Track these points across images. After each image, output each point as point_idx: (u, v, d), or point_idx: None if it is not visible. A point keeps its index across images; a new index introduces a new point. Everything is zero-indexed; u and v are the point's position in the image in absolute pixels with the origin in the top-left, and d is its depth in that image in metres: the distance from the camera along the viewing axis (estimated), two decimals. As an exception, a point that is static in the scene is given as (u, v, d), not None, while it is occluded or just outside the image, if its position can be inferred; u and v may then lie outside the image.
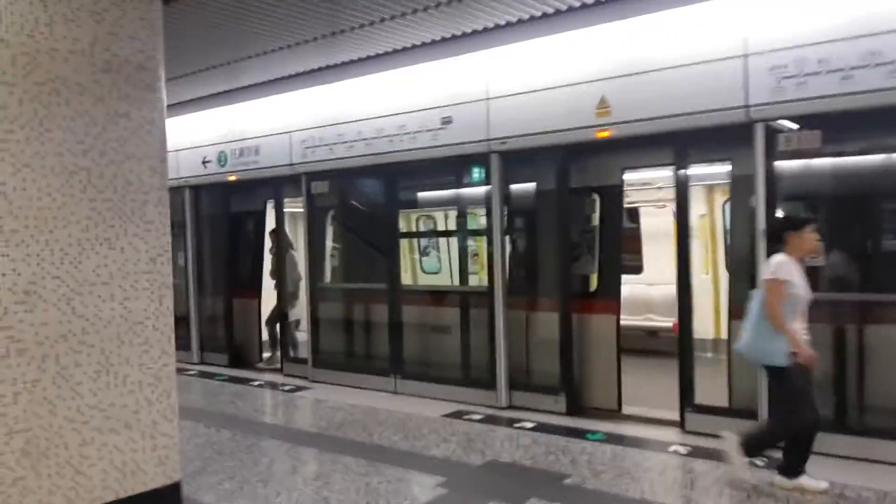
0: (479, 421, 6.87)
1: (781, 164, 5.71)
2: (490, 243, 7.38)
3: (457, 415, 7.09)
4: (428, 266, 11.25)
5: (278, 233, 9.86)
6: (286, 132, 9.00)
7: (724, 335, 9.86)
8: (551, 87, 6.72)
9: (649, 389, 7.84)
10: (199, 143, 10.20)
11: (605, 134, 6.41)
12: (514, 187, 7.35)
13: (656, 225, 10.23)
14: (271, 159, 9.24)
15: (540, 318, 7.28)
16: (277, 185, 9.49)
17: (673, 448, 5.88)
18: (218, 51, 7.31)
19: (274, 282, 10.04)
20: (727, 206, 9.94)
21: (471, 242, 11.15)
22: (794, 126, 5.60)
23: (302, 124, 8.81)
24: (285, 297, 9.82)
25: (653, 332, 10.22)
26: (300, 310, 10.11)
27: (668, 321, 9.86)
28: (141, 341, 4.64)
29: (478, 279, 11.59)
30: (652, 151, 6.63)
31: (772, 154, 5.68)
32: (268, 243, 10.22)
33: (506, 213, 7.32)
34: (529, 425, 6.63)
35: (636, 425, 6.63)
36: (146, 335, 4.67)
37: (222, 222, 10.50)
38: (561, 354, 7.05)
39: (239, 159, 9.65)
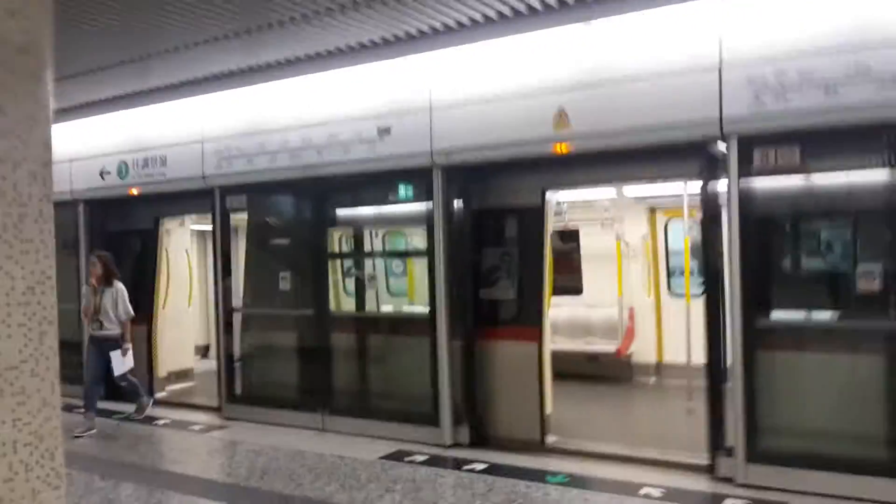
0: (424, 463, 6.13)
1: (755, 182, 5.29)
2: (431, 266, 6.68)
3: (397, 456, 6.33)
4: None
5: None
6: (198, 141, 8.04)
7: (668, 360, 9.64)
8: (502, 98, 6.12)
9: (588, 418, 7.44)
10: (96, 151, 9.06)
11: (563, 148, 5.84)
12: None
13: (597, 246, 9.78)
14: (180, 171, 8.24)
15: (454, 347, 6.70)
16: (178, 200, 8.49)
17: (644, 491, 5.30)
18: (121, 45, 6.33)
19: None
20: (671, 227, 9.67)
21: (400, 263, 10.51)
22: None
23: (217, 133, 7.88)
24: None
25: (593, 357, 9.74)
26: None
27: (610, 345, 9.43)
28: (15, 391, 3.65)
29: (404, 303, 10.97)
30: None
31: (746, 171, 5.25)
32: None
33: (446, 232, 6.64)
34: (480, 467, 5.94)
35: (596, 463, 6.04)
36: (22, 383, 3.68)
37: (120, 241, 9.36)
38: (464, 384, 6.63)
39: (142, 170, 8.59)
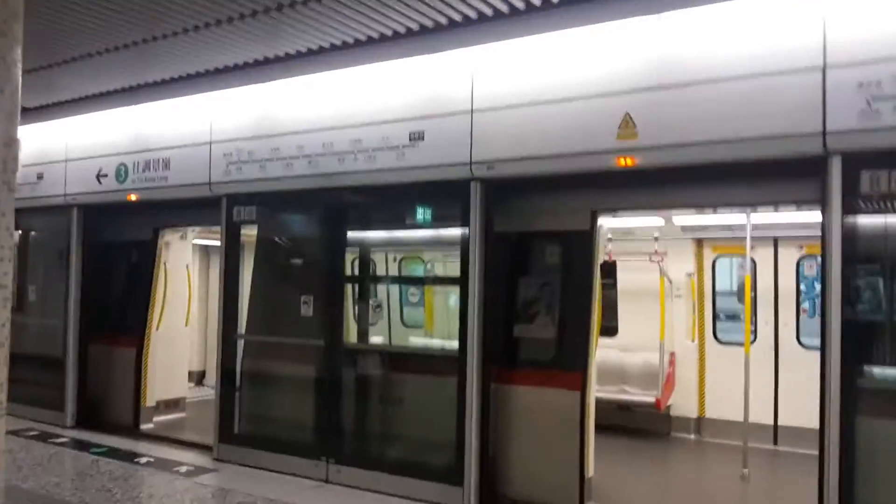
0: (443, 531, 5.18)
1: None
2: (464, 295, 5.78)
3: (414, 520, 5.38)
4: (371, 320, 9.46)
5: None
6: (205, 143, 7.22)
7: (710, 414, 8.68)
8: (554, 101, 5.28)
9: (629, 482, 6.54)
10: (94, 151, 8.26)
11: (629, 161, 4.98)
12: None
13: (636, 281, 8.86)
14: (184, 176, 7.41)
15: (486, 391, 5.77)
16: (181, 210, 7.66)
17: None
18: (121, 23, 5.55)
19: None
20: (718, 264, 8.78)
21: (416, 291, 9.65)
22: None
23: (227, 133, 7.06)
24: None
25: (625, 407, 8.76)
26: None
27: (648, 395, 8.46)
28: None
29: (425, 336, 10.05)
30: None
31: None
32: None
33: (483, 258, 5.75)
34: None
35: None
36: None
37: (115, 252, 8.53)
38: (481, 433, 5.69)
39: (143, 174, 7.77)
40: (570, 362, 5.66)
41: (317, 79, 6.35)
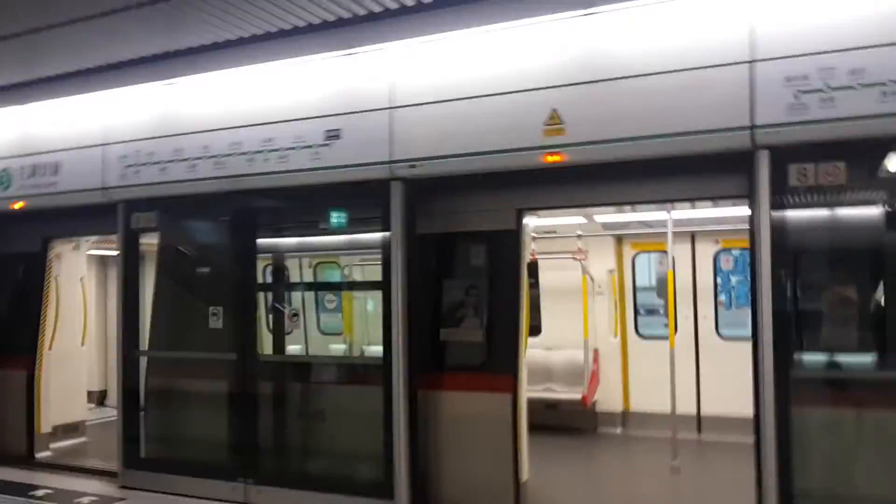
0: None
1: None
2: (386, 300, 5.49)
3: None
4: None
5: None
6: (99, 144, 6.64)
7: (634, 408, 8.70)
8: (479, 96, 5.07)
9: (562, 483, 6.46)
10: (-31, 155, 7.49)
11: (556, 158, 4.82)
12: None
13: (558, 280, 8.79)
14: (75, 181, 6.79)
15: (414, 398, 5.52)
16: (73, 218, 7.04)
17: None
18: (4, 13, 4.98)
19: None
20: (637, 260, 8.82)
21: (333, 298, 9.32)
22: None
23: (123, 133, 6.51)
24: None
25: (552, 405, 8.68)
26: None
27: (574, 392, 8.40)
28: None
29: (344, 344, 9.68)
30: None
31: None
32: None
33: (406, 260, 5.48)
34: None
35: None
36: None
37: (1, 265, 7.77)
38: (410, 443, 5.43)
39: (29, 180, 7.08)
40: (499, 365, 5.47)
41: (224, 74, 5.91)
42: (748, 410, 7.06)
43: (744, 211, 7.10)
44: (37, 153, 7.01)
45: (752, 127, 4.30)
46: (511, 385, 5.37)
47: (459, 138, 5.10)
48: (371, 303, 9.03)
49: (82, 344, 8.64)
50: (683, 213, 7.11)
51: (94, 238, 8.50)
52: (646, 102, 4.58)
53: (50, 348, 7.82)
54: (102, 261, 10.70)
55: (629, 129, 4.63)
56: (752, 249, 4.45)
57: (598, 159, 4.74)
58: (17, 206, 7.14)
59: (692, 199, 5.35)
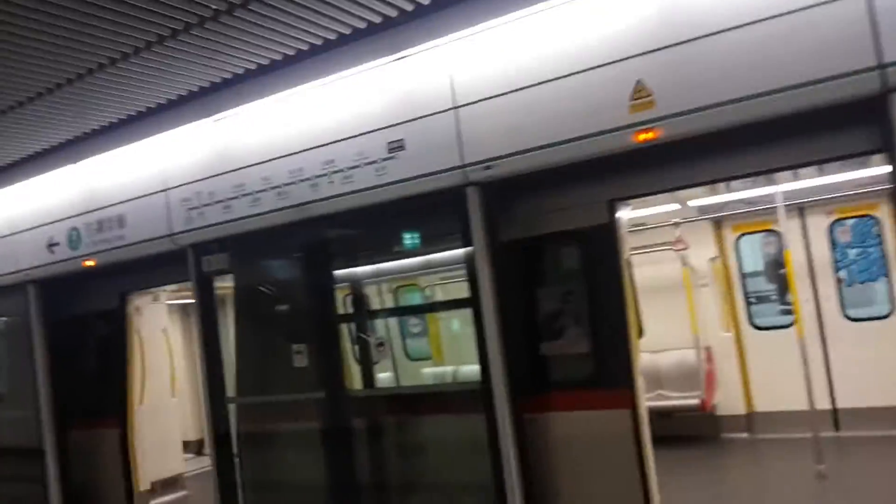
0: None
1: None
2: (478, 318, 4.98)
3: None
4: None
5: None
6: (161, 190, 6.42)
7: (760, 408, 7.90)
8: (551, 79, 4.53)
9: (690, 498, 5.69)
10: (42, 218, 7.44)
11: (649, 135, 4.23)
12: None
13: (654, 275, 8.10)
14: (141, 231, 6.59)
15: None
16: (145, 269, 6.84)
17: None
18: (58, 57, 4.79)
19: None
20: (741, 244, 8.05)
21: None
22: None
23: (184, 176, 6.26)
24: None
25: (666, 414, 7.96)
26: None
27: (691, 397, 7.67)
28: None
29: (435, 367, 9.24)
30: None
31: None
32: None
33: (493, 270, 4.96)
34: None
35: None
36: None
37: (80, 327, 7.68)
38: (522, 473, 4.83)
39: (97, 236, 6.95)
40: (612, 377, 4.86)
41: (275, 99, 5.59)
42: (890, 398, 6.24)
43: (859, 174, 6.40)
44: (101, 207, 6.87)
45: (881, 66, 3.61)
46: (629, 398, 4.75)
47: (535, 130, 4.57)
48: (457, 322, 8.60)
49: (172, 395, 8.51)
50: (791, 184, 6.37)
51: (171, 287, 8.38)
52: (746, 57, 3.94)
53: (140, 403, 7.68)
54: (185, 309, 10.65)
55: (728, 91, 3.98)
56: None
57: (697, 130, 4.12)
58: (89, 263, 7.01)
59: (813, 163, 4.62)
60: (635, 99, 4.23)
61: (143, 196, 6.54)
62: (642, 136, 4.23)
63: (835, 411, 7.45)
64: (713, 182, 5.31)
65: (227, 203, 5.98)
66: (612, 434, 4.79)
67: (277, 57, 5.09)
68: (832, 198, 7.17)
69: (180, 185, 6.27)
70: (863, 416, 7.20)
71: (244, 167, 5.86)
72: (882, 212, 7.17)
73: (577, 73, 4.41)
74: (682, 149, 4.34)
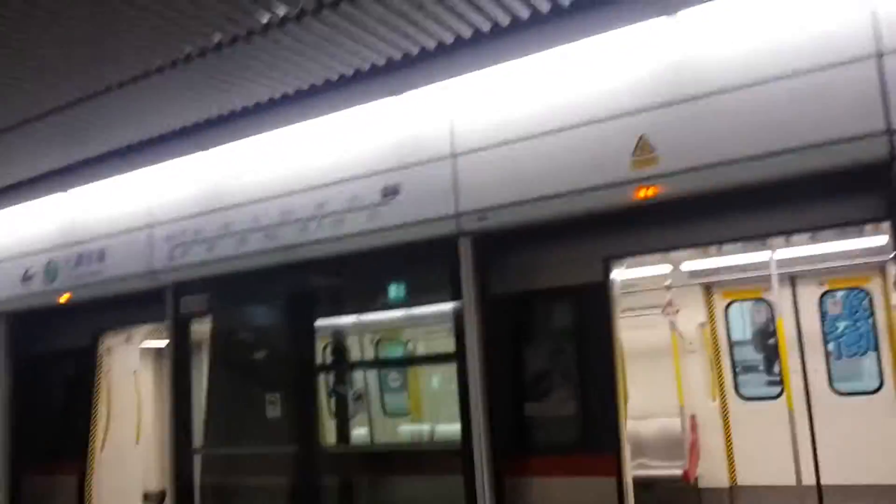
0: None
1: None
2: (462, 373, 4.80)
3: None
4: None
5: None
6: (144, 226, 6.26)
7: (742, 481, 7.69)
8: (553, 130, 4.48)
9: None
10: (17, 250, 7.21)
11: (649, 192, 4.16)
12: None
13: (641, 339, 7.96)
14: (122, 267, 6.40)
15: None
16: (121, 307, 6.61)
17: None
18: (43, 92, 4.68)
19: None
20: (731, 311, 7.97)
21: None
22: None
23: (169, 213, 6.12)
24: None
25: (647, 484, 7.71)
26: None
27: (674, 467, 7.45)
28: None
29: (413, 424, 8.95)
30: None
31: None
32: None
33: (481, 325, 4.81)
34: None
35: None
36: None
37: (50, 366, 7.36)
38: None
39: (75, 270, 6.73)
40: (598, 442, 4.67)
41: (270, 137, 5.50)
42: (879, 477, 6.08)
43: (853, 244, 6.39)
44: (81, 242, 6.67)
45: (890, 132, 3.59)
46: (614, 466, 4.57)
47: (534, 181, 4.50)
48: (437, 378, 8.38)
49: (137, 442, 8.13)
50: (785, 251, 6.34)
51: (146, 328, 8.11)
52: (753, 117, 3.92)
53: (102, 450, 7.32)
54: (159, 353, 10.31)
55: (734, 151, 3.96)
56: None
57: (700, 189, 4.07)
58: (63, 298, 6.76)
59: (815, 229, 4.59)
60: (637, 155, 4.18)
61: (125, 231, 6.37)
62: (643, 193, 4.16)
63: (819, 487, 7.27)
64: (712, 244, 5.24)
65: (211, 242, 5.83)
66: (595, 502, 4.59)
67: (275, 95, 5.01)
68: (825, 268, 7.13)
69: (166, 222, 6.11)
70: (849, 493, 7.02)
71: (233, 206, 5.74)
72: (874, 284, 7.14)
73: (580, 125, 4.38)
74: (682, 208, 4.28)
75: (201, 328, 6.46)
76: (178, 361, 6.21)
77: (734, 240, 4.91)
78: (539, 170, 4.48)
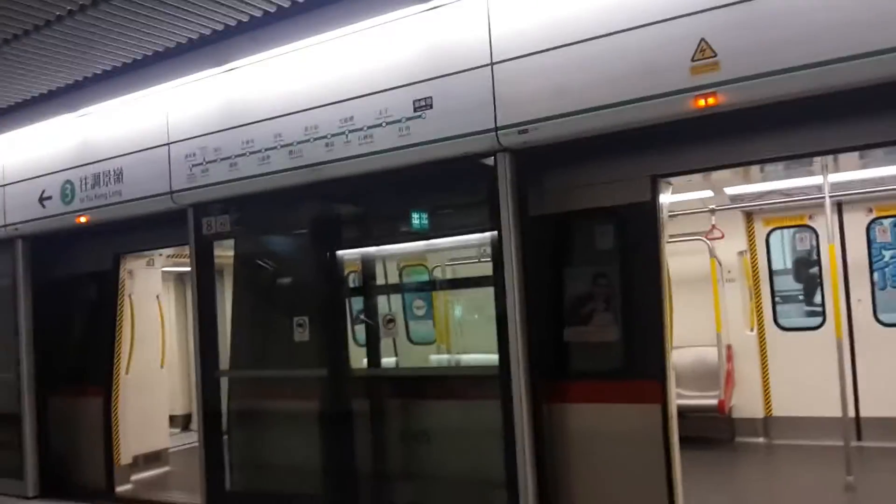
0: None
1: None
2: (501, 297, 4.56)
3: None
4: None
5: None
6: (163, 144, 5.98)
7: (778, 412, 7.53)
8: (604, 34, 4.09)
9: None
10: (35, 170, 6.98)
11: (710, 101, 3.81)
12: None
13: (679, 267, 7.68)
14: (140, 187, 6.15)
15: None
16: (142, 230, 6.41)
17: None
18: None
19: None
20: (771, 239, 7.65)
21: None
22: None
23: (188, 130, 5.82)
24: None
25: (680, 413, 7.56)
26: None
27: (708, 397, 7.29)
28: None
29: (439, 353, 8.84)
30: None
31: None
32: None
33: (520, 247, 4.54)
34: None
35: None
36: None
37: (71, 288, 7.23)
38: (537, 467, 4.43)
39: (92, 191, 6.50)
40: (642, 369, 4.45)
41: (293, 48, 5.14)
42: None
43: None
44: (97, 161, 6.41)
45: None
46: (659, 393, 4.35)
47: (580, 91, 4.14)
48: (467, 307, 8.20)
49: (161, 366, 8.09)
50: (833, 176, 5.98)
51: (168, 252, 7.97)
52: (819, 19, 3.52)
53: (127, 373, 7.28)
54: (181, 278, 10.22)
55: (801, 57, 3.56)
56: None
57: (766, 98, 3.70)
58: (82, 220, 6.56)
59: (888, 144, 4.21)
60: (699, 59, 3.80)
61: (143, 150, 6.10)
62: (702, 102, 3.80)
63: (858, 420, 7.09)
64: (771, 161, 4.88)
65: (233, 160, 5.55)
66: (639, 431, 4.40)
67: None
68: (874, 192, 6.76)
69: (186, 140, 5.82)
70: (886, 426, 6.86)
71: (255, 122, 5.43)
72: (925, 210, 6.81)
73: (632, 28, 3.98)
74: (740, 121, 3.93)
75: (225, 254, 6.30)
76: (201, 284, 6.00)
77: (793, 157, 4.54)
78: (587, 78, 4.11)
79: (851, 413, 7.08)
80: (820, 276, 7.38)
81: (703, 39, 3.79)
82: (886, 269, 7.45)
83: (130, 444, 7.23)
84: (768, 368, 7.56)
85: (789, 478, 6.56)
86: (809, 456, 6.78)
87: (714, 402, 7.14)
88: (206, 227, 5.92)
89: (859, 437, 7.13)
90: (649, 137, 4.24)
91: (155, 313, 7.95)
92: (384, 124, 4.82)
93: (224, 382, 6.04)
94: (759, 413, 7.51)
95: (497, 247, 4.57)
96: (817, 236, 7.30)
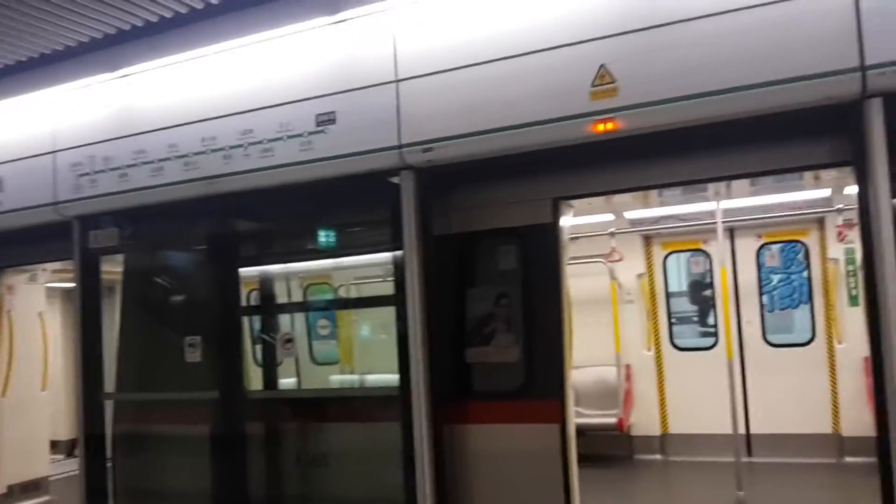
0: None
1: None
2: (402, 317, 4.49)
3: None
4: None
5: None
6: (47, 152, 5.62)
7: (674, 430, 7.75)
8: (508, 56, 4.11)
9: None
10: None
11: (608, 126, 3.87)
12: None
13: (580, 288, 7.82)
14: (22, 197, 5.75)
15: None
16: (23, 243, 6.01)
17: None
18: None
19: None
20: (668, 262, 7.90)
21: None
22: None
23: (76, 138, 5.49)
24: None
25: (580, 432, 7.68)
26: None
27: (608, 415, 7.42)
28: None
29: (342, 374, 8.66)
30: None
31: None
32: None
33: (422, 266, 4.49)
34: None
35: None
36: None
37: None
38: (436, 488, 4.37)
39: (-32, 199, 6.04)
40: (542, 389, 4.46)
41: (191, 56, 4.94)
42: (805, 427, 6.18)
43: (793, 196, 6.33)
44: (-25, 168, 5.97)
45: (863, 69, 3.38)
46: (558, 412, 4.38)
47: (484, 111, 4.13)
48: (368, 327, 8.08)
49: (43, 388, 7.57)
50: (727, 203, 6.23)
51: (55, 266, 7.49)
52: (717, 49, 3.64)
53: (3, 395, 6.78)
54: (67, 294, 9.65)
55: (699, 85, 3.67)
56: (866, 234, 3.50)
57: (661, 124, 3.79)
58: (-44, 230, 6.07)
59: (777, 172, 4.40)
60: (598, 84, 3.86)
61: (26, 157, 5.71)
62: (601, 127, 3.86)
63: (748, 436, 7.38)
64: (671, 185, 5.00)
65: (123, 171, 5.26)
66: (539, 450, 4.40)
67: (198, 5, 4.45)
68: (763, 221, 7.10)
69: (71, 148, 5.49)
70: (777, 442, 7.15)
71: (148, 131, 5.17)
72: (811, 238, 7.17)
73: (535, 52, 4.01)
74: (639, 146, 4.02)
75: (113, 269, 5.97)
76: (86, 300, 5.67)
77: (693, 182, 4.69)
78: (490, 98, 4.12)
79: (742, 430, 7.36)
80: (713, 298, 7.68)
81: (602, 65, 3.86)
82: (775, 293, 7.82)
83: (7, 472, 6.72)
84: (665, 387, 7.77)
85: (684, 494, 6.74)
86: (703, 471, 6.99)
87: (614, 420, 7.28)
88: (92, 240, 5.59)
89: (749, 453, 7.41)
90: (552, 160, 4.28)
91: (37, 332, 7.45)
92: (285, 138, 4.68)
93: (109, 406, 5.70)
94: (656, 431, 7.71)
95: (399, 266, 4.50)
96: (711, 260, 7.60)
